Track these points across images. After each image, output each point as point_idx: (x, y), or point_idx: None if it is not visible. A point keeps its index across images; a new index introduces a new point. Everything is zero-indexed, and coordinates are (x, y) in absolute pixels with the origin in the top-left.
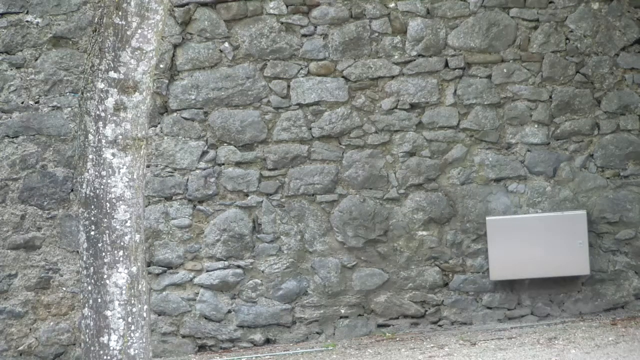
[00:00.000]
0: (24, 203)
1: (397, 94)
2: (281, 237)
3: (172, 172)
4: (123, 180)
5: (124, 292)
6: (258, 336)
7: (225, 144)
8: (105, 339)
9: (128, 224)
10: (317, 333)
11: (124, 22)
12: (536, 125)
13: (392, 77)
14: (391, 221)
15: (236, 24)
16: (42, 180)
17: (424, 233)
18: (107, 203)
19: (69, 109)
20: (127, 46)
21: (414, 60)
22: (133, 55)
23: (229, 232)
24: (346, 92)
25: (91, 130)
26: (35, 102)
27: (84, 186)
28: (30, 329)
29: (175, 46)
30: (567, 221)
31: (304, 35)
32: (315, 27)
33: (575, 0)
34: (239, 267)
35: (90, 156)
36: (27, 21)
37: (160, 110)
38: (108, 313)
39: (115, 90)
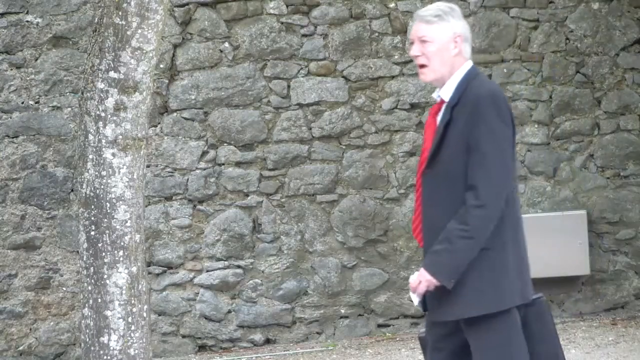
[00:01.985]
0: (24, 203)
1: (397, 94)
2: (281, 237)
3: (172, 172)
4: (123, 180)
5: (124, 292)
6: (258, 336)
7: (225, 144)
8: (105, 339)
9: (128, 224)
10: (317, 333)
11: (124, 22)
12: (536, 125)
13: (392, 77)
14: (391, 221)
15: (236, 24)
16: (42, 180)
17: None
18: (107, 203)
19: (69, 109)
20: (127, 46)
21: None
22: (133, 55)
23: (229, 232)
24: (346, 92)
25: (91, 130)
26: (35, 102)
27: (84, 186)
28: (30, 329)
29: (175, 46)
30: (567, 221)
31: (304, 35)
32: (316, 27)
33: (575, 0)
34: (239, 267)
35: (90, 156)
36: (27, 21)
37: (160, 110)
38: (108, 313)
39: (115, 90)
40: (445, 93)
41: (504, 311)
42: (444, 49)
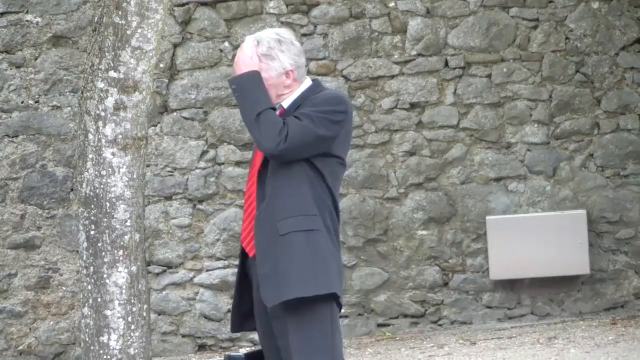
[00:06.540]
0: (23, 203)
1: (397, 94)
2: None
3: (172, 172)
4: (123, 180)
5: (124, 291)
6: (258, 336)
7: (225, 144)
8: (105, 338)
9: (128, 223)
10: None
11: (124, 22)
12: (536, 125)
13: (392, 77)
14: (391, 220)
15: (236, 23)
16: (42, 179)
17: (424, 232)
18: (107, 202)
19: (69, 108)
20: (127, 46)
21: (414, 59)
22: (133, 55)
23: (228, 232)
24: (346, 91)
25: (91, 130)
26: (35, 102)
27: (84, 186)
28: (30, 329)
29: (175, 46)
30: (567, 221)
31: (304, 35)
32: (315, 26)
33: None
34: None
35: (90, 156)
36: (27, 21)
37: (160, 110)
38: (108, 312)
39: (115, 89)
40: (286, 102)
41: (329, 299)
42: None
